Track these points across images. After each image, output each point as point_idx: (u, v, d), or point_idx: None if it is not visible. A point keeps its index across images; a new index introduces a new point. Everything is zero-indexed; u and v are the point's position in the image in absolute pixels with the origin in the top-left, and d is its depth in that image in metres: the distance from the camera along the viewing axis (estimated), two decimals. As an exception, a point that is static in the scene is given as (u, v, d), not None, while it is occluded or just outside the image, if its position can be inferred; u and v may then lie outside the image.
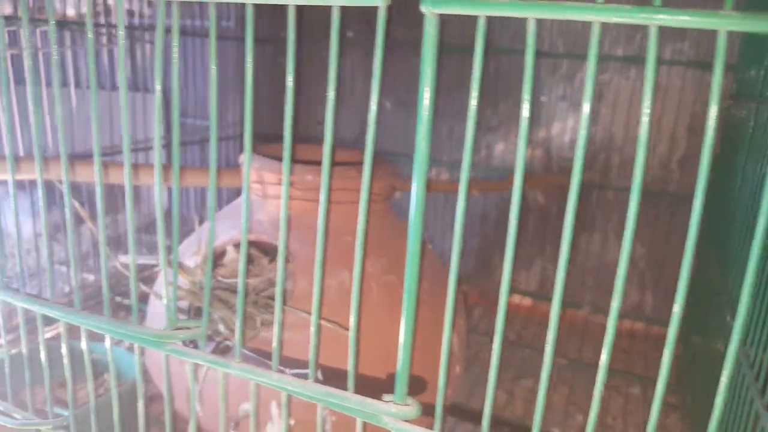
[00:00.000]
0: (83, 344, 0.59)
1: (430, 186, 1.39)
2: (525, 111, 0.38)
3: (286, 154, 0.44)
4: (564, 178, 1.42)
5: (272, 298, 0.83)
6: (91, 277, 1.43)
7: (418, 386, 0.85)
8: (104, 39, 1.36)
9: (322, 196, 0.44)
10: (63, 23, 1.27)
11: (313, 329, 0.47)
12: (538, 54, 1.41)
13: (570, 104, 1.43)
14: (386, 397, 0.45)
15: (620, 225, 1.42)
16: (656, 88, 1.34)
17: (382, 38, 0.39)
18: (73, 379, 0.62)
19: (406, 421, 0.44)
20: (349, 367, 0.47)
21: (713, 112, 0.33)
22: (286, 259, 0.86)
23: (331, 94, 0.41)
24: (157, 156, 0.48)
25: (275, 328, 0.48)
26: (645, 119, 0.34)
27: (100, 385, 0.99)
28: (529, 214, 1.51)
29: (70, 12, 1.35)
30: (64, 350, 0.61)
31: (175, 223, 0.49)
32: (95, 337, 1.05)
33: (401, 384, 0.45)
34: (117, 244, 1.48)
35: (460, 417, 1.01)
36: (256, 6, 0.43)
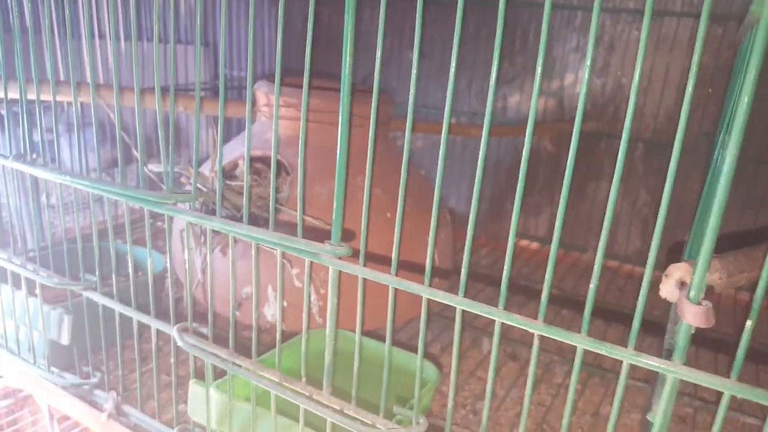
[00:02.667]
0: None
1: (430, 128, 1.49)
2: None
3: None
4: (569, 126, 1.49)
5: (276, 202, 0.96)
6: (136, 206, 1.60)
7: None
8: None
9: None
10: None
11: (272, 179, 0.59)
12: (553, 6, 1.47)
13: (583, 56, 1.48)
14: (326, 241, 0.57)
15: (627, 173, 1.48)
16: (665, 39, 1.39)
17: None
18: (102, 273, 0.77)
19: (339, 258, 0.56)
20: (298, 220, 0.59)
21: None
22: (287, 171, 0.99)
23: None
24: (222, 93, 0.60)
25: (245, 190, 0.61)
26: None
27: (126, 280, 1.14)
28: (539, 163, 1.58)
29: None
30: (93, 225, 0.76)
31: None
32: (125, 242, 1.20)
33: (336, 230, 0.56)
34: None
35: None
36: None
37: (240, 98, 1.73)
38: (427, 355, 0.90)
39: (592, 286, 0.47)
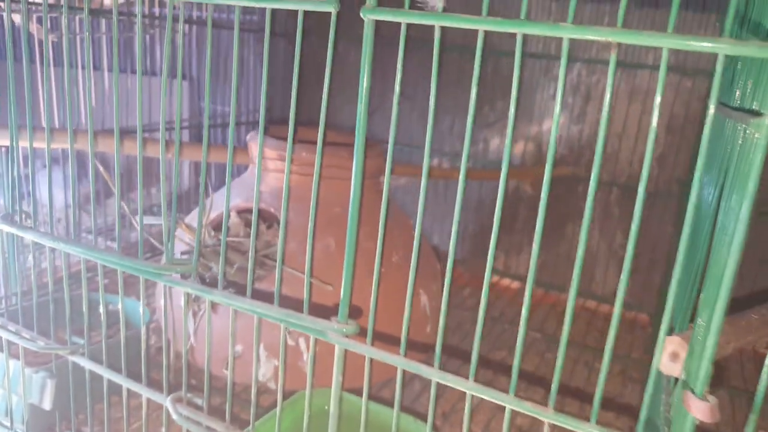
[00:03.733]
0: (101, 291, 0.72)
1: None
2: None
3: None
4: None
5: (267, 257, 0.95)
6: (114, 245, 1.57)
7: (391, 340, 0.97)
8: (136, 27, 1.50)
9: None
10: (99, 11, 1.40)
11: (278, 261, 0.59)
12: (533, 56, 1.51)
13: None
14: (332, 318, 0.57)
15: (603, 215, 1.51)
16: (639, 90, 1.44)
17: (332, 40, 0.51)
18: (89, 327, 0.75)
19: (346, 336, 0.56)
20: (305, 295, 0.58)
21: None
22: (280, 224, 0.98)
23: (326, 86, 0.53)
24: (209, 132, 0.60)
25: (250, 260, 0.60)
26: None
27: (113, 335, 1.12)
28: (520, 204, 1.61)
29: (107, 1, 1.49)
30: (83, 285, 0.74)
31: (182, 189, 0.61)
32: (111, 290, 1.18)
33: (343, 307, 0.56)
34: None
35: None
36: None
37: (224, 136, 1.72)
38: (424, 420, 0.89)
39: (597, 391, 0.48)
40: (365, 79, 0.52)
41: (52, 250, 0.80)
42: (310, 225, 0.58)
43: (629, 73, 1.44)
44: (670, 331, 0.52)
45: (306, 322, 0.57)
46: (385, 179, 0.55)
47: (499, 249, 1.65)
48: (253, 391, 0.64)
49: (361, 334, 0.56)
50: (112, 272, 0.78)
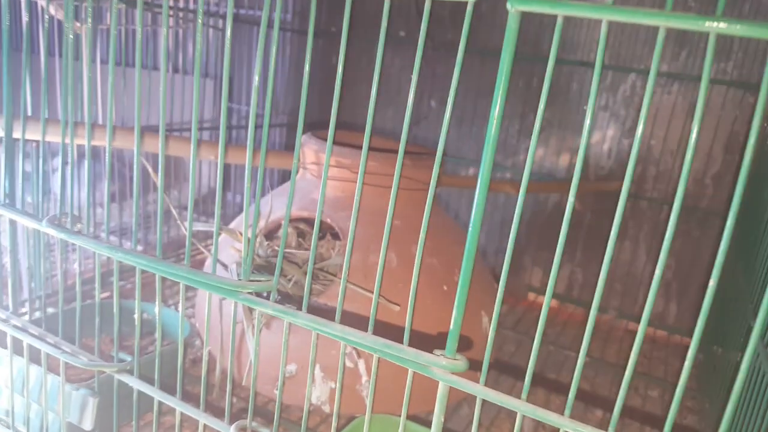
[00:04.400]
0: (159, 301, 0.65)
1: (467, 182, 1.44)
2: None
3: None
4: (596, 186, 1.46)
5: (322, 270, 0.89)
6: (139, 248, 1.50)
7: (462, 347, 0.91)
8: (171, 21, 1.43)
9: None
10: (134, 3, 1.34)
11: (377, 283, 0.52)
12: (584, 64, 1.45)
13: (611, 114, 1.46)
14: (437, 351, 0.50)
15: (651, 235, 1.45)
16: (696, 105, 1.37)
17: (466, 30, 0.45)
18: (125, 334, 0.68)
19: (454, 373, 0.49)
20: (407, 323, 0.52)
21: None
22: (338, 237, 0.92)
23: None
24: (266, 137, 0.53)
25: (342, 282, 0.54)
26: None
27: (150, 343, 1.06)
28: (561, 218, 1.55)
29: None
30: (137, 297, 0.67)
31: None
32: (148, 299, 1.12)
33: (452, 340, 0.50)
34: (167, 215, 1.56)
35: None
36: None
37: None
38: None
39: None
40: (503, 82, 0.45)
41: (82, 249, 0.73)
42: (418, 251, 0.51)
43: (687, 86, 1.38)
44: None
45: (407, 354, 0.51)
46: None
47: (536, 266, 1.59)
48: (334, 424, 0.58)
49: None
50: (132, 276, 0.72)
